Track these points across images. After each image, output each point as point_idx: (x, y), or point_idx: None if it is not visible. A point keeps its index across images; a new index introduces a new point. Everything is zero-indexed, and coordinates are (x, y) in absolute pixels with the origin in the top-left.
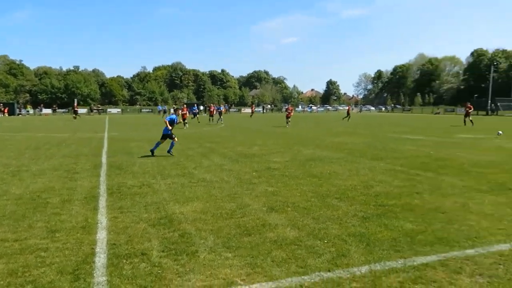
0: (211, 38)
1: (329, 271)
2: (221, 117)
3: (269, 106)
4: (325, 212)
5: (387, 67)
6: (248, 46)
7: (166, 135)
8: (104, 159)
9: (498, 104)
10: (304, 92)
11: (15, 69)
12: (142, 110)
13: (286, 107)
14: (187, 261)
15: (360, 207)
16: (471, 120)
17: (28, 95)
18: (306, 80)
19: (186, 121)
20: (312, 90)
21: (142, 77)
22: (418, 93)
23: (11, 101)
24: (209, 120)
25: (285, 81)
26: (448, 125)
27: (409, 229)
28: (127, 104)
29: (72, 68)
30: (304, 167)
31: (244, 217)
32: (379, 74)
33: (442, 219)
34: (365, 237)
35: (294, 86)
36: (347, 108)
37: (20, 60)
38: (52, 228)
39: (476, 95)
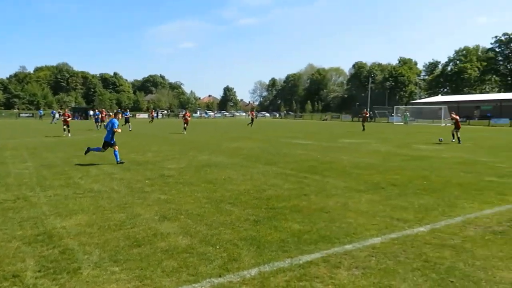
0: (102, 39)
1: (220, 276)
2: (129, 123)
3: (165, 111)
4: (218, 217)
5: (281, 75)
6: (143, 49)
7: (108, 144)
8: None
9: (376, 111)
10: (201, 98)
11: None
12: (21, 114)
13: (183, 112)
14: (68, 279)
15: (252, 211)
16: (363, 125)
17: None
18: (204, 86)
19: (69, 127)
20: (210, 96)
21: (21, 78)
22: (308, 101)
23: None
24: (97, 127)
25: (182, 86)
26: (334, 131)
27: (296, 229)
28: (3, 108)
29: None
30: (199, 173)
31: (134, 228)
32: (273, 82)
33: (326, 218)
34: (256, 240)
35: (191, 91)
36: (251, 113)
37: None
38: None
39: (357, 103)
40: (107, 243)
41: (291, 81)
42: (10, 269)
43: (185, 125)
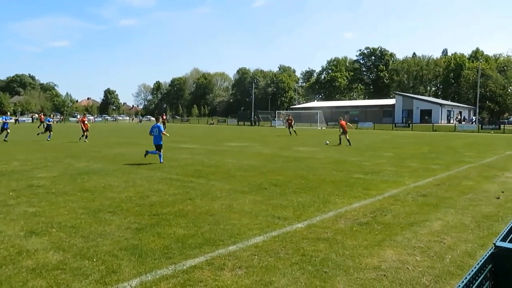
0: None
1: None
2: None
3: (36, 115)
4: (96, 228)
5: (166, 78)
6: (5, 46)
7: (160, 146)
8: None
9: (260, 116)
10: (79, 100)
11: None
12: None
13: (80, 117)
14: None
15: (134, 219)
16: (294, 131)
17: None
18: (82, 88)
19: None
20: (89, 99)
21: None
22: (195, 105)
23: None
24: None
25: (56, 88)
26: (220, 134)
27: (181, 234)
28: None
29: None
30: (75, 182)
31: None
32: (158, 85)
33: (211, 221)
34: (137, 249)
35: (67, 93)
36: (162, 117)
37: None
38: None
39: (242, 108)
40: None
41: (177, 85)
42: None
43: (86, 132)
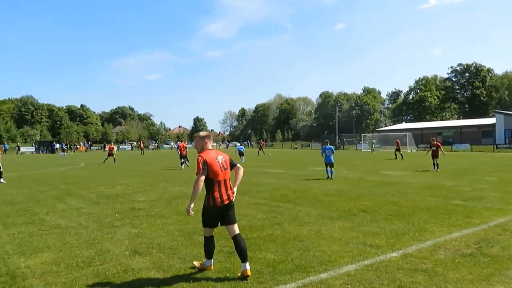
0: (67, 71)
1: None
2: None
3: (135, 143)
4: (191, 250)
5: (250, 105)
6: (109, 81)
7: (332, 164)
8: None
9: (344, 139)
10: (171, 129)
11: None
12: None
13: (177, 144)
14: None
15: (226, 242)
16: (401, 154)
17: None
18: (173, 117)
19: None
20: (180, 127)
21: None
22: (278, 130)
23: None
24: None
25: (151, 117)
26: (305, 159)
27: (271, 259)
28: None
29: None
30: (171, 205)
31: (103, 264)
32: (243, 112)
33: (300, 247)
34: (231, 272)
35: (161, 122)
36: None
37: None
38: None
39: (326, 132)
40: (75, 282)
41: (261, 110)
42: None
43: (185, 159)
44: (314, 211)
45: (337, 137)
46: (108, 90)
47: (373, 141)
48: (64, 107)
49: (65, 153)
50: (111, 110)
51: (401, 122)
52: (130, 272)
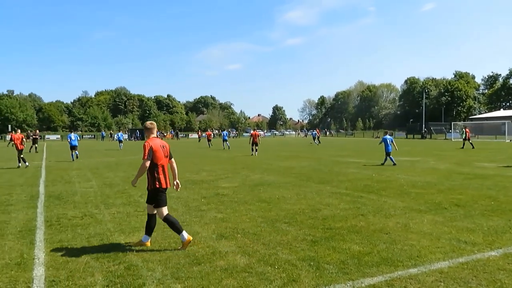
0: (155, 63)
1: None
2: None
3: (216, 131)
4: (275, 237)
5: (330, 93)
6: (192, 72)
7: (389, 153)
8: (41, 189)
9: (431, 128)
10: (251, 117)
11: None
12: (84, 136)
13: (251, 132)
14: None
15: (309, 231)
16: (471, 143)
17: None
18: (253, 106)
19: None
20: (259, 115)
21: (83, 102)
22: (359, 118)
23: None
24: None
25: (232, 106)
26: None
27: (356, 251)
28: (68, 130)
29: (5, 92)
30: (253, 192)
31: (193, 246)
32: (322, 100)
33: (386, 240)
34: (314, 260)
35: (241, 111)
36: (316, 131)
37: None
38: None
39: (411, 120)
40: (169, 260)
41: (341, 98)
42: (81, 283)
43: (256, 146)
44: (401, 203)
45: (423, 125)
46: (192, 80)
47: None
48: (153, 97)
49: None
50: (195, 100)
51: (499, 109)
52: (218, 255)
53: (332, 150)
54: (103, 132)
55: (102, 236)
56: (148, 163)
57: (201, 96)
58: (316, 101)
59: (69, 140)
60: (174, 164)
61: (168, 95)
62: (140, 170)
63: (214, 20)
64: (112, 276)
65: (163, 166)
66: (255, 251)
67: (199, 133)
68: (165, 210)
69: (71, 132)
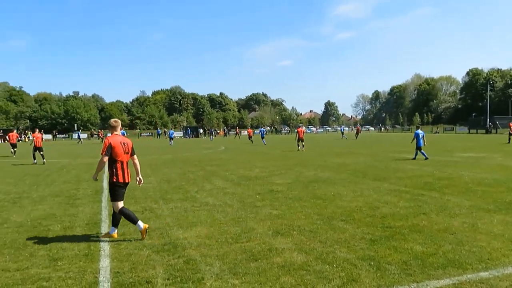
0: (208, 62)
1: None
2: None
3: (268, 128)
4: (331, 235)
5: (384, 87)
6: (244, 69)
7: (420, 148)
8: (105, 184)
9: (497, 122)
10: (302, 113)
11: (15, 95)
12: (142, 134)
13: (298, 127)
14: None
15: (367, 229)
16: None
17: (28, 121)
18: (304, 102)
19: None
20: (311, 111)
21: (141, 101)
22: (416, 113)
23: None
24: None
25: (283, 103)
26: (449, 144)
27: (419, 251)
28: (127, 128)
29: (71, 93)
30: (307, 189)
31: (249, 242)
32: (376, 95)
33: (452, 240)
34: (375, 260)
35: (292, 107)
36: (357, 128)
37: (20, 87)
38: (54, 256)
39: (474, 114)
40: (226, 256)
41: (396, 92)
42: (144, 275)
43: (301, 142)
44: (466, 201)
45: (488, 119)
46: (244, 77)
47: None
48: (206, 95)
49: (212, 137)
50: (246, 97)
51: None
52: (274, 251)
53: (387, 146)
54: (159, 130)
55: (162, 230)
56: (106, 159)
57: (252, 93)
58: (370, 96)
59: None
60: (136, 160)
61: (220, 93)
62: (98, 165)
63: (265, 17)
64: (172, 270)
65: (122, 162)
66: (312, 248)
67: (237, 130)
68: (120, 204)
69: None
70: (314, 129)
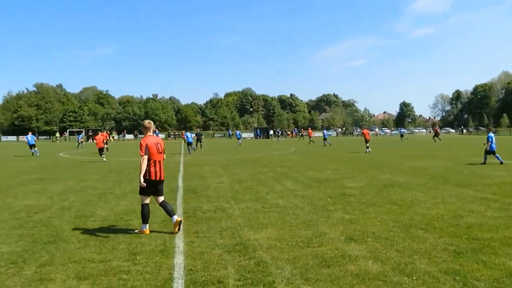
0: (278, 64)
1: None
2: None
3: (339, 129)
4: (410, 244)
5: (466, 86)
6: (314, 70)
7: (493, 152)
8: (180, 183)
9: None
10: (375, 115)
11: (102, 98)
12: (215, 135)
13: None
14: None
15: (451, 240)
16: None
17: (113, 122)
18: (378, 103)
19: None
20: (385, 112)
21: (214, 103)
22: (504, 114)
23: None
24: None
25: (355, 104)
26: None
27: None
28: (201, 129)
29: (151, 96)
30: (381, 194)
31: (321, 247)
32: (457, 94)
33: None
34: (460, 275)
35: (365, 109)
36: (435, 129)
37: (107, 91)
38: (133, 250)
39: None
40: (297, 260)
41: (480, 92)
42: (215, 274)
43: (366, 143)
44: None
45: None
46: (314, 78)
47: None
48: (276, 97)
49: (280, 138)
50: (317, 98)
51: None
52: (348, 258)
53: (470, 149)
54: (230, 131)
55: (233, 230)
56: (146, 158)
57: (323, 94)
58: (450, 96)
59: (185, 137)
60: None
61: (291, 94)
62: (141, 165)
63: (337, 17)
64: (243, 271)
65: (155, 161)
66: (388, 257)
67: (302, 131)
68: (144, 199)
69: (186, 131)
70: (388, 131)
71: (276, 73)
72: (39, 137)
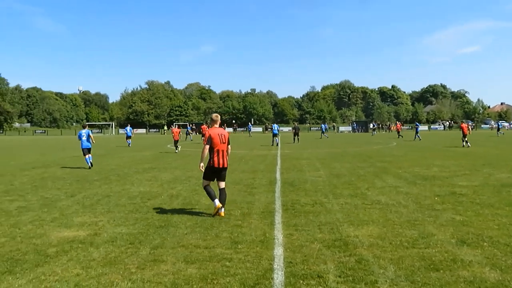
0: (378, 54)
1: None
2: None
3: (447, 122)
4: None
5: None
6: (419, 60)
7: None
8: (278, 176)
9: None
10: (491, 106)
11: (204, 93)
12: (311, 128)
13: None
14: None
15: None
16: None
17: None
18: (494, 93)
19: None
20: (502, 104)
21: (311, 97)
22: None
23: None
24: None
25: (467, 95)
26: None
27: None
28: (298, 123)
29: (249, 90)
30: (500, 194)
31: (428, 248)
32: None
33: None
34: None
35: (478, 100)
36: None
37: (209, 86)
38: (235, 239)
39: None
40: (401, 261)
41: None
42: (315, 269)
43: (465, 137)
44: None
45: None
46: (419, 68)
47: None
48: (376, 89)
49: (375, 132)
50: (422, 89)
51: None
52: (459, 263)
53: None
54: (323, 125)
55: (332, 225)
56: (207, 147)
57: (429, 85)
58: None
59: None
60: (229, 149)
61: (392, 86)
62: (202, 153)
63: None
64: (344, 268)
65: (218, 150)
66: (508, 266)
67: (392, 126)
68: (205, 182)
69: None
70: (506, 124)
71: (377, 64)
72: (150, 130)
